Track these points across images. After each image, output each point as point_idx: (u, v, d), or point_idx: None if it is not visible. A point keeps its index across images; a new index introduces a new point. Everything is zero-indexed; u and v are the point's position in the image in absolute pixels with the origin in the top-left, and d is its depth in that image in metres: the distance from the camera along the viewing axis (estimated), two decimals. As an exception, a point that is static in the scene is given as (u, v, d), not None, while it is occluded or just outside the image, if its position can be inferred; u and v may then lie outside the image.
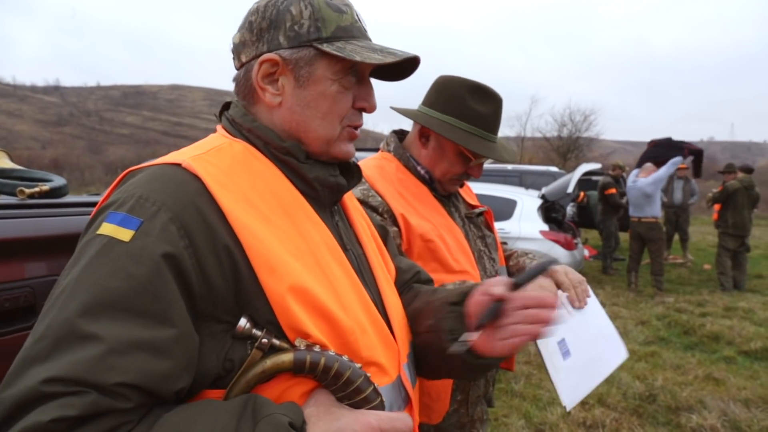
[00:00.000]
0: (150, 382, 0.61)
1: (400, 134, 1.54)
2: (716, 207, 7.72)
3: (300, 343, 0.70)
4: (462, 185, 1.58)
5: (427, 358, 0.95)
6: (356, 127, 0.87)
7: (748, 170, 7.74)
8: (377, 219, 1.14)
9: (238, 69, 0.86)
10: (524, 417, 3.36)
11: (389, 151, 1.48)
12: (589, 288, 1.45)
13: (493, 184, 7.93)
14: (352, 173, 0.93)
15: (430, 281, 1.12)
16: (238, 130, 0.85)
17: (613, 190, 8.50)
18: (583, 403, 3.50)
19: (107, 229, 0.66)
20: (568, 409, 1.37)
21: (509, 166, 10.29)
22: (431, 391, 1.29)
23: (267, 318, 0.70)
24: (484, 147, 1.36)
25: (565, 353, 1.38)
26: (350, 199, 1.01)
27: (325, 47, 0.79)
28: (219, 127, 0.89)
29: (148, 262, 0.63)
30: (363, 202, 1.28)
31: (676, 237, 9.67)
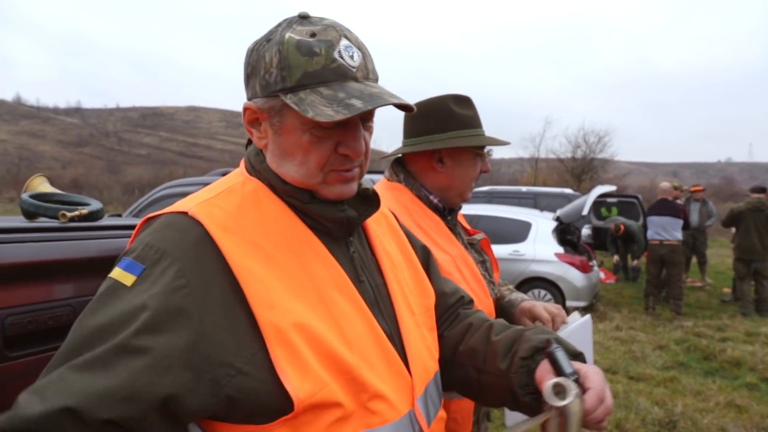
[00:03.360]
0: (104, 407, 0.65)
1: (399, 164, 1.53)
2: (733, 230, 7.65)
3: None
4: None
5: (489, 394, 0.96)
6: (347, 170, 0.83)
7: (759, 191, 7.65)
8: (419, 242, 1.13)
9: None
10: None
11: (399, 181, 1.48)
12: (579, 315, 1.53)
13: (508, 206, 7.94)
14: (370, 201, 0.93)
15: (471, 302, 1.14)
16: (252, 168, 0.88)
17: None
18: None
19: (116, 272, 0.74)
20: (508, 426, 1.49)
21: (524, 188, 10.31)
22: (457, 416, 1.30)
23: (250, 356, 0.71)
24: (491, 140, 1.46)
25: None
26: (377, 225, 1.00)
27: (288, 98, 0.77)
28: (242, 162, 0.92)
29: (150, 302, 0.69)
30: None
31: (694, 260, 9.56)
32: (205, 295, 0.71)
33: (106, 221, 1.46)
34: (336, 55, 0.78)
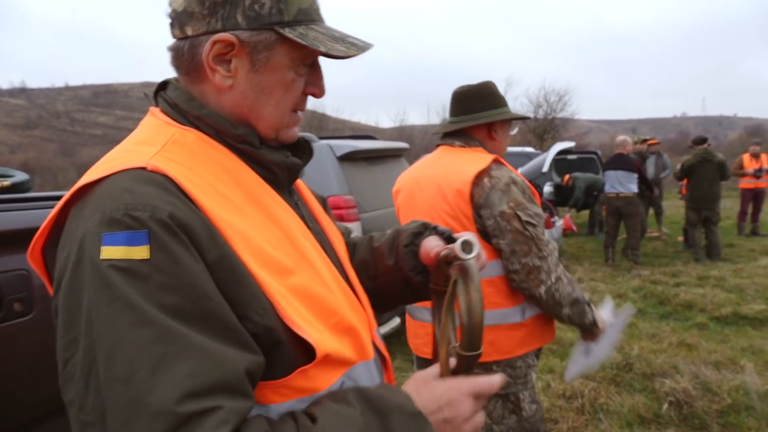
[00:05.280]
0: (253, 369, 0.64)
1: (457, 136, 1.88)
2: (684, 181, 7.91)
3: None
4: None
5: (388, 294, 1.03)
6: (301, 111, 0.86)
7: (701, 141, 7.91)
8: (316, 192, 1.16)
9: (178, 39, 0.79)
10: (505, 392, 3.43)
11: (477, 148, 1.85)
12: (612, 306, 1.89)
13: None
14: (302, 151, 0.92)
15: (350, 233, 1.19)
16: (183, 116, 0.79)
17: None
18: (563, 376, 3.58)
19: (117, 252, 0.61)
20: (566, 381, 2.02)
21: (485, 149, 10.37)
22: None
23: (263, 311, 0.68)
24: (525, 115, 2.01)
25: (587, 353, 1.89)
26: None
27: (288, 33, 0.75)
28: (157, 111, 0.82)
29: (179, 268, 0.62)
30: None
31: (651, 211, 9.87)
32: (212, 249, 0.66)
33: (34, 194, 1.39)
34: None
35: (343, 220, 3.70)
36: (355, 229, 3.70)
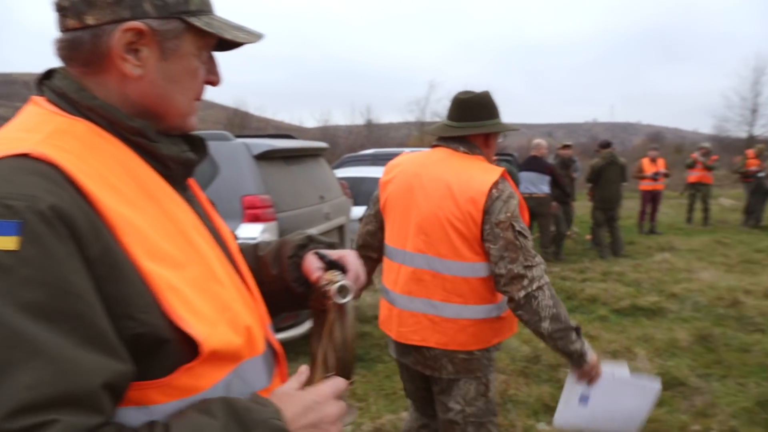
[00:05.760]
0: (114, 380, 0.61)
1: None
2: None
3: None
4: None
5: (270, 302, 1.03)
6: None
7: (606, 145, 8.52)
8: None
9: (74, 30, 0.75)
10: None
11: (478, 155, 1.98)
12: (624, 370, 1.93)
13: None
14: (197, 147, 0.92)
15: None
16: (72, 106, 0.75)
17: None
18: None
19: None
20: (554, 425, 2.01)
21: (407, 149, 10.53)
22: None
23: (147, 308, 0.66)
24: (514, 126, 2.16)
25: (582, 401, 1.87)
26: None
27: (195, 21, 0.78)
28: (42, 101, 0.77)
29: (50, 263, 0.58)
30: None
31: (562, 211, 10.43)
32: (95, 244, 0.62)
33: None
34: None
35: (259, 219, 3.63)
36: (272, 229, 3.65)
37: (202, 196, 0.99)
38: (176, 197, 0.81)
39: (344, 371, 0.84)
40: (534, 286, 1.74)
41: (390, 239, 2.05)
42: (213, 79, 0.87)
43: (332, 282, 0.89)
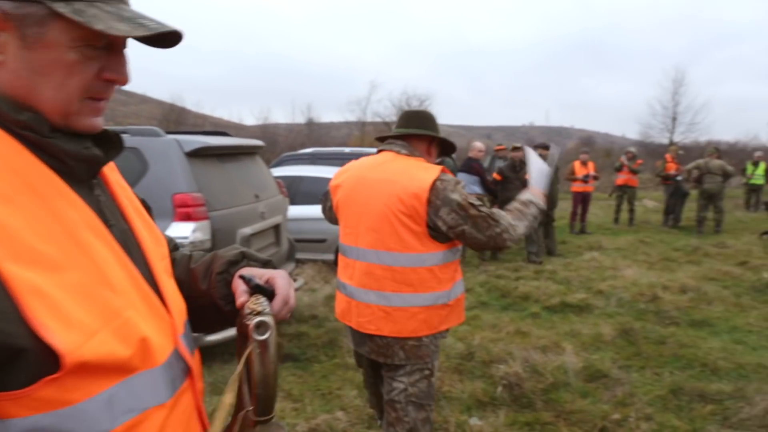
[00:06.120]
0: None
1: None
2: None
3: None
4: None
5: (202, 317, 1.01)
6: (102, 99, 0.79)
7: (545, 147, 8.82)
8: (138, 195, 1.11)
9: None
10: (357, 388, 3.51)
11: (419, 156, 2.21)
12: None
13: (331, 167, 8.07)
14: (112, 143, 0.86)
15: (177, 247, 1.16)
16: None
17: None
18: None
19: None
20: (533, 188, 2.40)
21: (347, 149, 10.53)
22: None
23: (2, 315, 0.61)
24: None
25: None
26: (112, 172, 0.94)
27: (59, 8, 0.68)
28: None
29: None
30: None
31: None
32: None
33: None
34: None
35: (191, 218, 3.52)
36: (204, 227, 3.55)
37: (126, 196, 0.93)
38: (71, 195, 0.75)
39: (264, 409, 0.80)
40: (511, 231, 2.06)
41: (344, 238, 2.24)
42: (114, 78, 0.77)
43: (254, 312, 0.83)
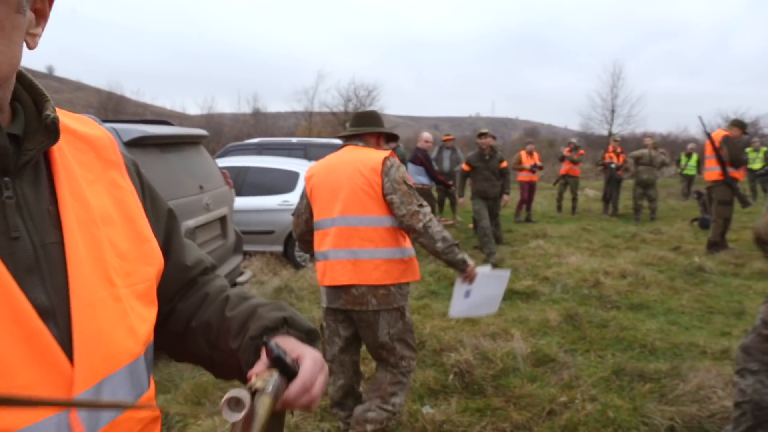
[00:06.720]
0: None
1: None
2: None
3: None
4: None
5: (224, 371, 0.93)
6: None
7: (493, 138, 9.01)
8: (167, 205, 0.95)
9: None
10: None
11: (369, 146, 2.80)
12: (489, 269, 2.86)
13: (278, 157, 7.92)
14: (48, 132, 0.69)
15: (214, 267, 1.04)
16: None
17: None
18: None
19: None
20: (450, 316, 2.94)
21: (294, 139, 10.37)
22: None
23: None
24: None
25: (467, 295, 2.75)
26: (85, 169, 0.76)
27: None
28: None
29: None
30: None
31: (447, 201, 10.87)
32: None
33: None
34: None
35: (130, 211, 3.35)
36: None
37: (78, 198, 0.72)
38: None
39: None
40: (428, 219, 2.52)
41: (319, 215, 2.72)
42: None
43: (251, 388, 0.69)
